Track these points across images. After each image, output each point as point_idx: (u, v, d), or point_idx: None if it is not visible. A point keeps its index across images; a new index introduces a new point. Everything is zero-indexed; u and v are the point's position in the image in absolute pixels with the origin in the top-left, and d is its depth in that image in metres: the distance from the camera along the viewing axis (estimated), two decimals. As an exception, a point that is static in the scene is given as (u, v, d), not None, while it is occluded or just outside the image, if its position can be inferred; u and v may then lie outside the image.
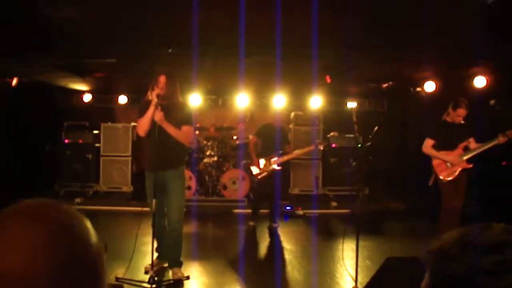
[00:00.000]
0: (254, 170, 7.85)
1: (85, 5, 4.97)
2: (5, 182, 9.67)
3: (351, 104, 10.40)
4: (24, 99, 9.94)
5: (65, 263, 0.82)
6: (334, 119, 10.73)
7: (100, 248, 0.90)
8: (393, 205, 9.70)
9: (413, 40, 6.15)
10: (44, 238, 0.82)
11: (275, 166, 7.66)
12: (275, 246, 6.87)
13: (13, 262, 0.79)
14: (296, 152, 8.09)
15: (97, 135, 10.51)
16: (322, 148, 8.64)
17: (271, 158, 7.68)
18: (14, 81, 9.52)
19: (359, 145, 9.91)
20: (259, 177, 7.78)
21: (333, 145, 10.33)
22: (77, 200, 9.69)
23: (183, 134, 5.03)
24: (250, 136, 8.51)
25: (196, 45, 5.94)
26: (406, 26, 5.47)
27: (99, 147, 10.42)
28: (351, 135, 10.29)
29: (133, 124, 10.20)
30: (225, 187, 9.77)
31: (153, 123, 4.84)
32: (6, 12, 5.23)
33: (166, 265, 5.34)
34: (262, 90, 10.55)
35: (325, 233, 7.87)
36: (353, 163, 7.84)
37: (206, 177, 10.13)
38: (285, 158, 7.82)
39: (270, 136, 7.72)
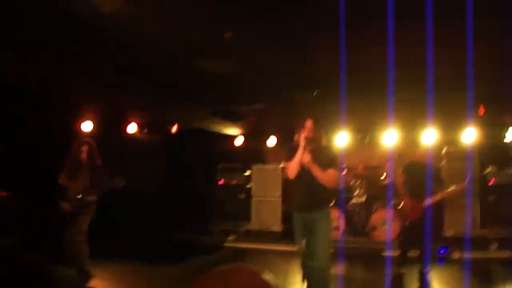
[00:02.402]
0: (406, 211, 7.51)
1: (234, 57, 5.38)
2: (166, 219, 10.57)
3: (510, 136, 9.57)
4: (183, 144, 10.86)
5: None
6: (490, 153, 9.95)
7: None
8: None
9: None
10: None
11: (428, 206, 7.28)
12: (429, 292, 6.49)
13: None
14: (449, 191, 7.50)
15: (249, 177, 11.01)
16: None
17: (422, 198, 7.32)
18: (175, 128, 10.46)
19: (523, 182, 9.12)
20: (411, 218, 7.44)
21: (491, 182, 9.56)
22: (230, 238, 10.18)
23: (328, 177, 5.08)
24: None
25: (343, 86, 6.04)
26: None
27: (250, 188, 10.89)
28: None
29: (282, 165, 10.52)
30: (374, 228, 9.54)
31: (301, 165, 4.98)
32: (165, 68, 5.87)
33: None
34: (411, 126, 10.21)
35: (484, 279, 7.22)
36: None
37: (355, 217, 9.99)
38: (436, 198, 7.37)
39: (418, 174, 7.36)
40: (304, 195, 4.87)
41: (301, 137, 5.01)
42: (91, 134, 8.28)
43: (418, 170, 7.35)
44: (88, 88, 7.02)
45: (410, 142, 10.59)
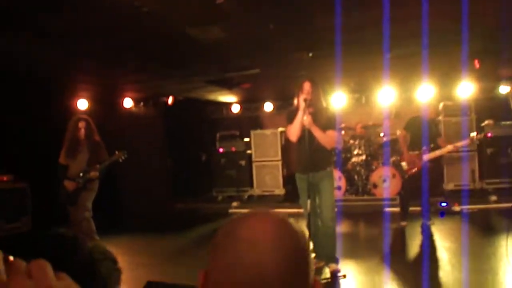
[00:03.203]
0: (405, 165, 7.60)
1: (227, 23, 5.32)
2: (169, 191, 10.64)
3: (505, 89, 9.57)
4: (180, 115, 10.86)
5: (295, 259, 0.92)
6: (487, 106, 9.97)
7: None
8: None
9: None
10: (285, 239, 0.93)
11: (426, 161, 7.36)
12: (431, 244, 6.60)
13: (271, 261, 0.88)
14: (450, 147, 7.57)
15: (248, 143, 11.07)
16: (478, 142, 8.05)
17: (422, 152, 7.39)
18: (170, 100, 10.44)
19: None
20: (409, 172, 7.54)
21: (489, 135, 9.59)
22: (234, 204, 10.32)
23: (328, 138, 5.14)
24: (398, 132, 8.28)
25: (338, 46, 5.99)
26: None
27: (250, 154, 10.96)
28: (508, 122, 9.53)
29: (280, 129, 10.57)
30: (375, 186, 9.64)
31: (302, 127, 5.01)
32: (157, 39, 5.81)
33: (323, 264, 5.43)
34: (406, 83, 10.17)
35: (485, 230, 7.34)
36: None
37: (355, 177, 10.09)
38: (438, 153, 7.45)
39: (419, 129, 7.41)
40: (307, 157, 4.92)
41: (300, 100, 5.02)
42: (87, 111, 8.25)
43: (418, 124, 7.41)
44: (82, 65, 6.96)
45: (406, 99, 10.59)
